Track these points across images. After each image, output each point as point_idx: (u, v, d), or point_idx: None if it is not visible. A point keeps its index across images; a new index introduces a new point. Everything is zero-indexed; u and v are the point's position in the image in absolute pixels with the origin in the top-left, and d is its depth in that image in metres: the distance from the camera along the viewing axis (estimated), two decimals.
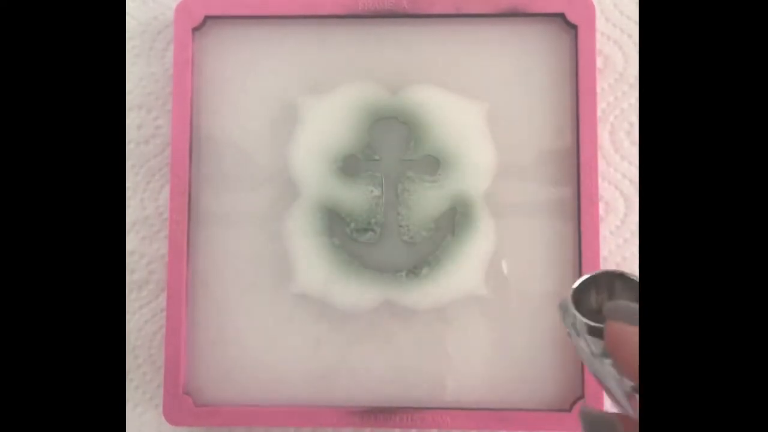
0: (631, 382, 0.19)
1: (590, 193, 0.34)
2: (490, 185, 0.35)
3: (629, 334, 0.19)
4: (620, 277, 0.21)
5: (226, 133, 0.36)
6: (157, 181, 0.37)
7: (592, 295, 0.21)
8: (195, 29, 0.36)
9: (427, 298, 0.35)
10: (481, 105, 0.35)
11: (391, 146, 0.35)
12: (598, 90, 0.36)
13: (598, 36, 0.36)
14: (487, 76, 0.36)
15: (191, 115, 0.36)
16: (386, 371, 0.35)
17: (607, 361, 0.20)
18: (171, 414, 0.34)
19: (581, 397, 0.34)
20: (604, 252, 0.35)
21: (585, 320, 0.20)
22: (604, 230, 0.36)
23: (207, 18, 0.36)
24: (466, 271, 0.35)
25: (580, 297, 0.21)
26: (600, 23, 0.37)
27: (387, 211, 0.35)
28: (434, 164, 0.35)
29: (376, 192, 0.35)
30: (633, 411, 0.19)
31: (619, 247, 0.36)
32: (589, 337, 0.20)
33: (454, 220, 0.35)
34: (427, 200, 0.35)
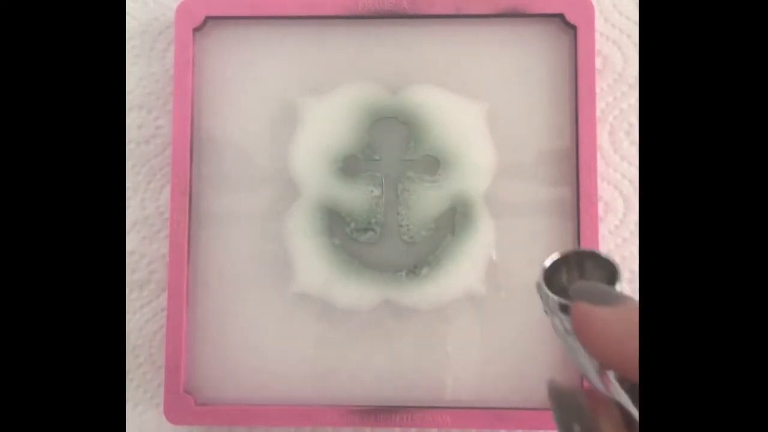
0: (597, 362, 0.19)
1: (589, 193, 0.34)
2: (490, 185, 0.35)
3: (594, 313, 0.19)
4: (590, 256, 0.22)
5: (227, 133, 0.36)
6: (158, 181, 0.37)
7: (563, 273, 0.21)
8: (196, 30, 0.36)
9: (427, 297, 0.35)
10: (481, 105, 0.35)
11: (391, 146, 0.35)
12: (598, 90, 0.36)
13: (597, 36, 0.36)
14: (487, 76, 0.36)
15: (192, 116, 0.36)
16: (386, 371, 0.35)
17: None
18: (172, 413, 0.34)
19: None
20: (603, 251, 0.35)
21: (557, 298, 0.20)
22: (603, 230, 0.36)
23: (208, 18, 0.36)
24: (466, 270, 0.35)
25: (552, 275, 0.21)
26: (599, 24, 0.37)
27: (387, 211, 0.35)
28: (434, 164, 0.35)
29: (376, 192, 0.35)
30: (605, 388, 0.19)
31: (618, 247, 0.36)
32: (561, 315, 0.20)
33: (454, 220, 0.35)
34: (427, 200, 0.35)
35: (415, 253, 0.35)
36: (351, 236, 0.35)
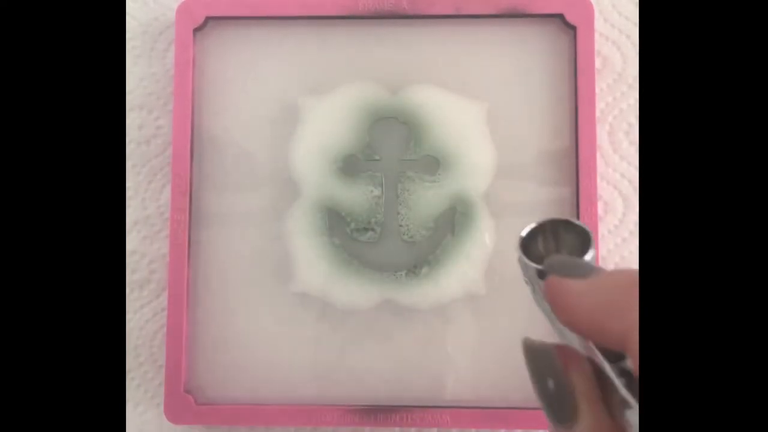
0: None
1: (589, 193, 0.34)
2: (490, 185, 0.35)
3: (564, 285, 0.20)
4: (564, 224, 0.22)
5: (227, 133, 0.36)
6: (159, 181, 0.37)
7: (539, 242, 0.22)
8: (196, 30, 0.36)
9: (426, 297, 0.35)
10: (480, 105, 0.35)
11: (391, 146, 0.35)
12: (597, 90, 0.36)
13: (596, 37, 0.36)
14: (487, 76, 0.36)
15: (192, 116, 0.36)
16: (386, 370, 0.35)
17: None
18: (172, 412, 0.34)
19: None
20: (602, 251, 0.36)
21: (533, 264, 0.21)
22: (603, 229, 0.36)
23: (208, 19, 0.36)
24: (465, 270, 0.35)
25: (528, 244, 0.22)
26: (599, 24, 0.37)
27: (387, 211, 0.35)
28: (434, 164, 0.35)
29: (376, 192, 0.35)
30: (580, 346, 0.20)
31: (618, 246, 0.36)
32: (540, 282, 0.21)
33: (454, 220, 0.35)
34: (427, 200, 0.35)
35: (415, 253, 0.35)
36: (351, 236, 0.35)
